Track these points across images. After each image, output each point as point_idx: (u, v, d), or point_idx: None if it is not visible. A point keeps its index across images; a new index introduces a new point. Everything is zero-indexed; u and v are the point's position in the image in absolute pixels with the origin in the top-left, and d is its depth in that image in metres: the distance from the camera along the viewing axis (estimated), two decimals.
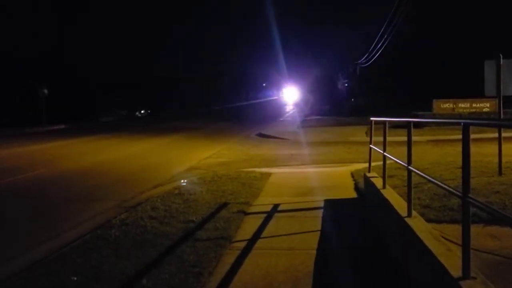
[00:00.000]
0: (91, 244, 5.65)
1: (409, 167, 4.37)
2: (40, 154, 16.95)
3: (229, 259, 4.98)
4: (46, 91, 35.66)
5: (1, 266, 5.31)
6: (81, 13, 42.16)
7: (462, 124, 2.98)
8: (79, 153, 17.25)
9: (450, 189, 3.35)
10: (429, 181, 3.99)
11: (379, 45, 33.93)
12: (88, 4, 44.00)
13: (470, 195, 2.87)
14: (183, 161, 14.09)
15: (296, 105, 63.89)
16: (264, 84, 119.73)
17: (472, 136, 2.97)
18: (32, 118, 34.47)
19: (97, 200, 8.79)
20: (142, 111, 61.65)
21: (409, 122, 4.62)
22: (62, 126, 34.72)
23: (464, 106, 25.26)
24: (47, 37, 39.50)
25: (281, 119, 39.70)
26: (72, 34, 41.90)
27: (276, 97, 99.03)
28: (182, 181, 10.18)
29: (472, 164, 3.01)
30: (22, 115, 35.18)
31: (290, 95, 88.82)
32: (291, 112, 51.49)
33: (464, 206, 2.93)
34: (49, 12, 39.35)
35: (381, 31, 31.49)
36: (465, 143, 2.94)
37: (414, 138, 4.74)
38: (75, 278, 4.55)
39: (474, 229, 4.97)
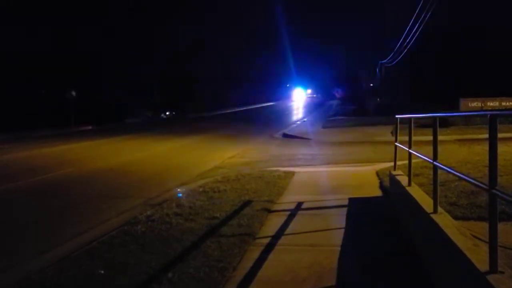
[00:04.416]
0: (118, 239, 5.78)
1: (435, 162, 4.31)
2: (69, 154, 17.36)
3: (253, 254, 5.02)
4: (74, 93, 36.48)
5: (33, 259, 5.49)
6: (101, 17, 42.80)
7: (489, 115, 2.94)
8: (105, 153, 17.59)
9: (476, 182, 3.30)
10: (454, 174, 3.93)
11: (405, 43, 33.51)
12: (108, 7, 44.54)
13: (497, 187, 2.82)
14: (208, 160, 14.21)
15: (317, 107, 63.30)
16: (288, 85, 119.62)
17: (502, 135, 2.95)
18: (60, 119, 35.25)
19: (124, 197, 8.95)
20: (167, 113, 62.25)
21: (435, 117, 4.57)
22: (89, 127, 35.45)
23: (493, 104, 24.68)
24: (74, 39, 40.26)
25: (305, 119, 39.56)
26: (97, 35, 42.54)
27: (298, 98, 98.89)
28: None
29: (501, 162, 2.97)
30: (51, 116, 35.99)
31: (312, 95, 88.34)
32: (313, 114, 51.21)
33: (491, 199, 2.88)
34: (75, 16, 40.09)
35: (407, 29, 31.12)
36: (493, 135, 2.89)
37: (440, 138, 4.68)
38: (103, 271, 4.66)
39: (503, 226, 4.88)
